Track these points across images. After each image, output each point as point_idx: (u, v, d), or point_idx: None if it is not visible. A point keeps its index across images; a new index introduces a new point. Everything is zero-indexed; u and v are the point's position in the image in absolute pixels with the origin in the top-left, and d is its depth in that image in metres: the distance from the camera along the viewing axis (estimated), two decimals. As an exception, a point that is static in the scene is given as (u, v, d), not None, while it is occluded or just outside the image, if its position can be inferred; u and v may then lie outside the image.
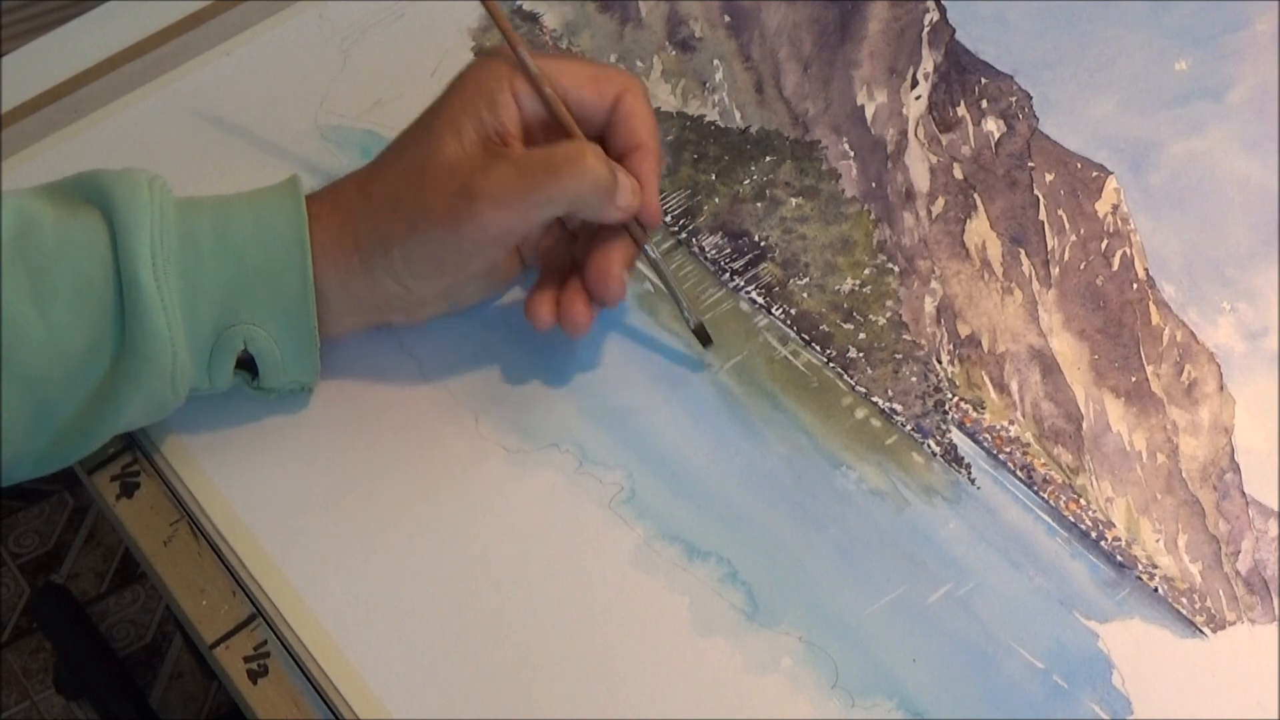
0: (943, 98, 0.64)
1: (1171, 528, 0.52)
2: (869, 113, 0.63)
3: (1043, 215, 0.60)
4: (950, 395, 0.55)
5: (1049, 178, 0.61)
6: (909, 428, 0.54)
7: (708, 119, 0.63)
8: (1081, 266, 0.58)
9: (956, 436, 0.54)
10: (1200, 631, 0.49)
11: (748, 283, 0.58)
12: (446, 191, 0.48)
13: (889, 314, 0.57)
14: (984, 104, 0.63)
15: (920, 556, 0.51)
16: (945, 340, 0.56)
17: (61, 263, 0.47)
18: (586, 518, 0.52)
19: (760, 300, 0.57)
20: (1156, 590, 0.50)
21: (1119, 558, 0.51)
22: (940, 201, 0.60)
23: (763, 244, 0.59)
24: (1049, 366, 0.56)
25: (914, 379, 0.55)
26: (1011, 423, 0.54)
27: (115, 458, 0.55)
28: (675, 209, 0.60)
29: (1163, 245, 0.58)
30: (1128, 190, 0.60)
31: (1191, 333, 0.56)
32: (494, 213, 0.48)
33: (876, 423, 0.54)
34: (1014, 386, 0.55)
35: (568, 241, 0.54)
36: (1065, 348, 0.56)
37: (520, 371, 0.55)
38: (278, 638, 0.50)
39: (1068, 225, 0.59)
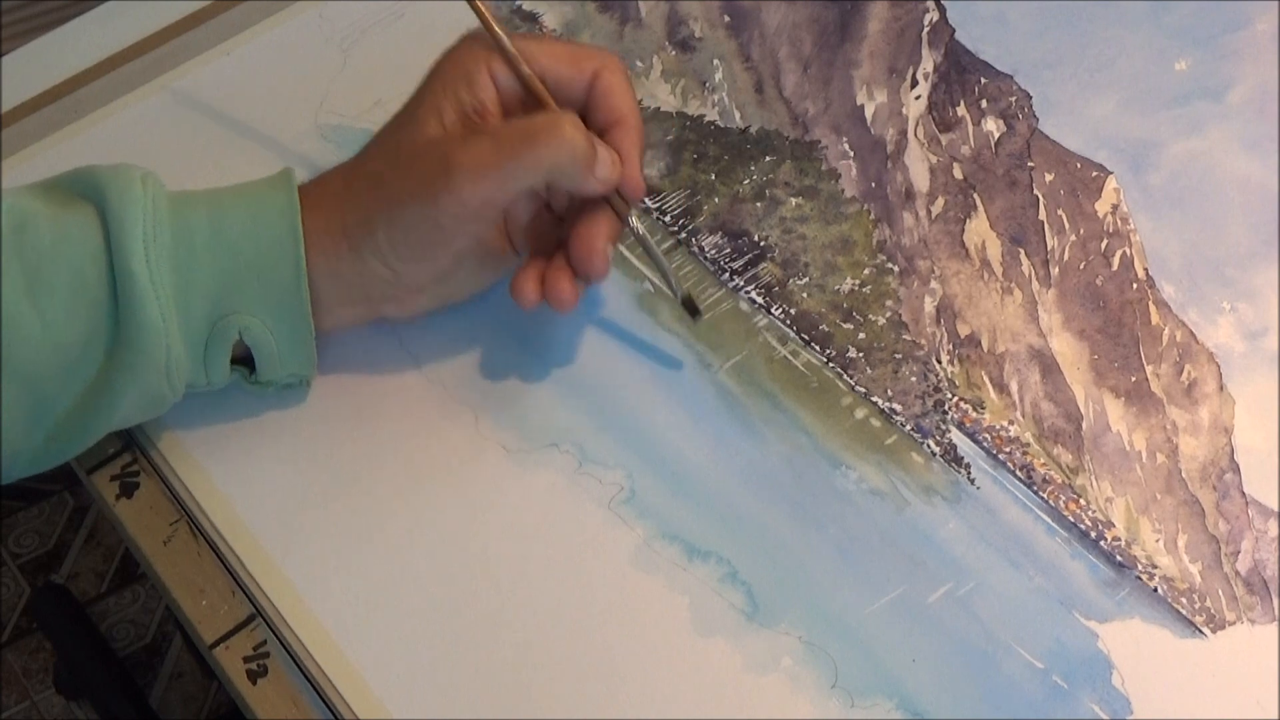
0: (942, 98, 0.64)
1: (1171, 528, 0.52)
2: (869, 113, 0.63)
3: (1042, 215, 0.60)
4: (950, 395, 0.55)
5: (1049, 177, 0.61)
6: (909, 428, 0.54)
7: (707, 119, 0.63)
8: (1081, 266, 0.58)
9: (956, 436, 0.54)
10: (1200, 631, 0.49)
11: (747, 283, 0.58)
12: (426, 168, 0.49)
13: (889, 314, 0.57)
14: (984, 104, 0.63)
15: (920, 556, 0.51)
16: (945, 340, 0.56)
17: (56, 258, 0.47)
18: (586, 518, 0.52)
19: (760, 300, 0.57)
20: (1156, 590, 0.50)
21: (1119, 558, 0.51)
22: (940, 201, 0.60)
23: (762, 244, 0.59)
24: (1049, 366, 0.56)
25: (914, 379, 0.55)
26: (1011, 423, 0.54)
27: (115, 457, 0.55)
28: (675, 209, 0.60)
29: (1163, 245, 0.58)
30: (1127, 190, 0.60)
31: (1191, 333, 0.56)
32: (471, 183, 0.48)
33: (876, 423, 0.54)
34: (1014, 386, 0.55)
35: (554, 224, 0.54)
36: (1065, 348, 0.56)
37: (520, 371, 0.55)
38: (277, 638, 0.50)
39: (1067, 225, 0.59)
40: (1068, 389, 0.55)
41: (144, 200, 0.48)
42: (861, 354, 0.56)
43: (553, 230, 0.54)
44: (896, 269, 0.58)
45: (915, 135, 0.63)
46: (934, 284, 0.58)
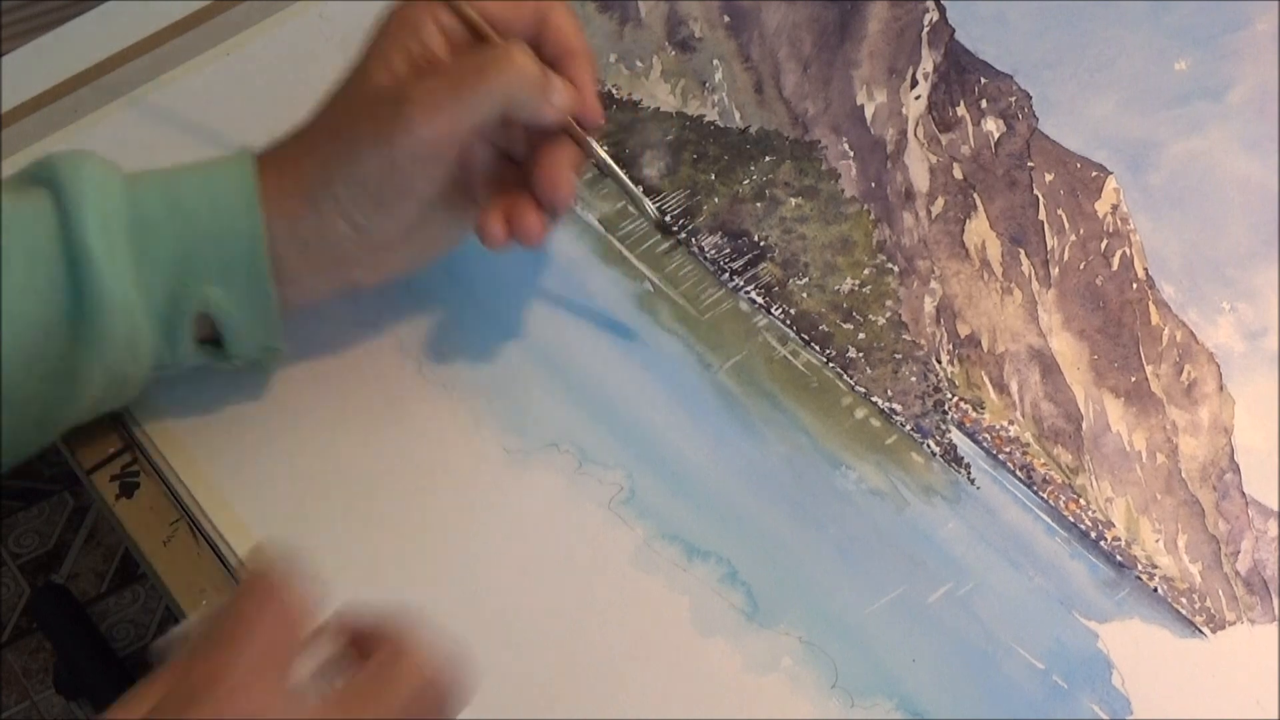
0: (942, 98, 0.64)
1: (1171, 528, 0.52)
2: (869, 113, 0.63)
3: (1042, 215, 0.60)
4: (950, 395, 0.55)
5: (1049, 177, 0.61)
6: (909, 427, 0.54)
7: (707, 119, 0.63)
8: (1081, 266, 0.58)
9: (956, 436, 0.54)
10: (1200, 631, 0.49)
11: (747, 283, 0.58)
12: (379, 112, 0.48)
13: (888, 314, 0.57)
14: (984, 104, 0.63)
15: (920, 556, 0.51)
16: (945, 340, 0.56)
17: (12, 242, 0.47)
18: (586, 518, 0.52)
19: (760, 300, 0.57)
20: (1156, 590, 0.50)
21: (1119, 558, 0.51)
22: (940, 201, 0.60)
23: (762, 244, 0.59)
24: (1049, 366, 0.56)
25: (914, 379, 0.55)
26: (1011, 423, 0.54)
27: (115, 457, 0.55)
28: (675, 209, 0.60)
29: (1162, 245, 0.58)
30: (1127, 190, 0.60)
31: (1191, 333, 0.56)
32: (426, 120, 0.47)
33: (876, 423, 0.54)
34: (1013, 386, 0.55)
35: (514, 174, 0.53)
36: (1065, 348, 0.56)
37: (520, 371, 0.55)
38: (277, 638, 0.50)
39: (1067, 225, 0.59)
40: (1068, 389, 0.55)
41: (96, 177, 0.48)
42: (861, 354, 0.56)
43: (514, 180, 0.53)
44: (896, 269, 0.58)
45: (915, 135, 0.63)
46: (934, 284, 0.58)
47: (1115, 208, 0.60)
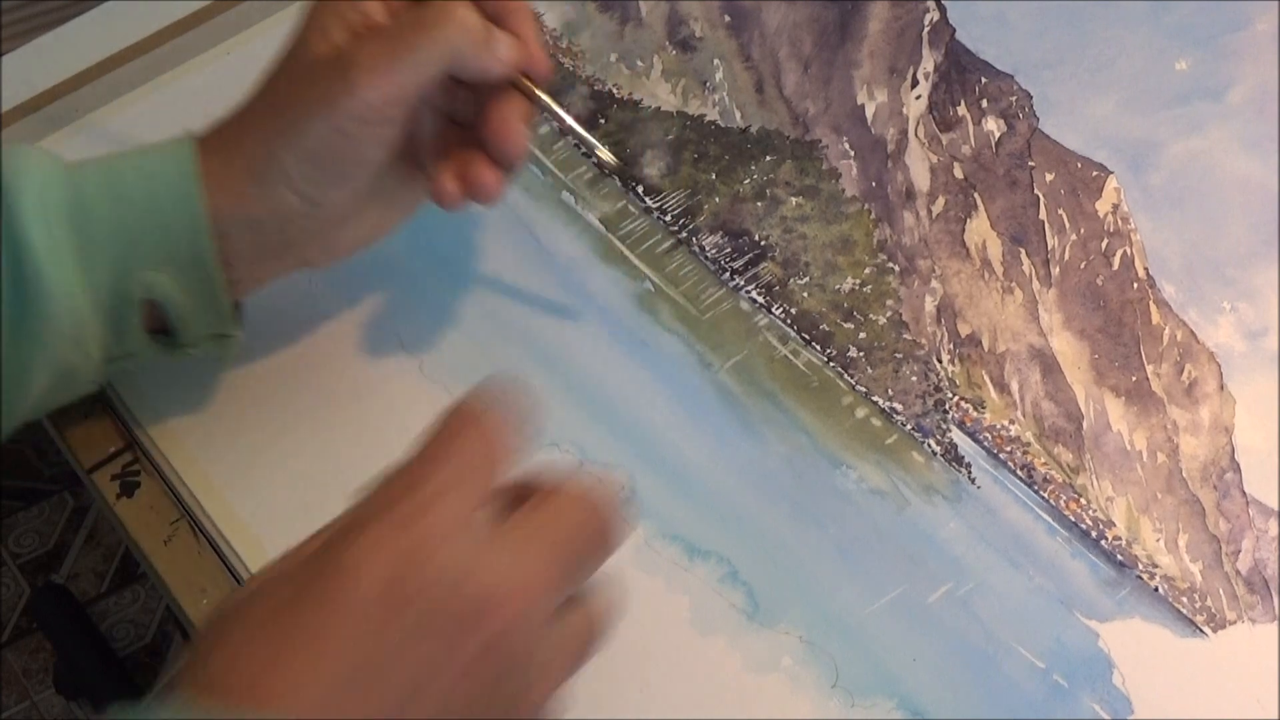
0: (943, 97, 0.64)
1: (1172, 527, 0.52)
2: (869, 112, 0.63)
3: (1043, 215, 0.60)
4: (950, 395, 0.55)
5: (1049, 177, 0.61)
6: (909, 427, 0.54)
7: (708, 118, 0.63)
8: (1082, 266, 0.58)
9: (957, 436, 0.54)
10: (1200, 631, 0.49)
11: (748, 282, 0.58)
12: (321, 78, 0.47)
13: (889, 313, 0.57)
14: (984, 103, 0.63)
15: (920, 556, 0.51)
16: (945, 340, 0.56)
17: None
18: (587, 517, 0.51)
19: (760, 299, 0.57)
20: (1157, 590, 0.50)
21: (1119, 557, 0.51)
22: (940, 201, 0.60)
23: (763, 243, 0.59)
24: (1049, 366, 0.56)
25: (914, 378, 0.55)
26: (1012, 422, 0.54)
27: (115, 457, 0.55)
28: (675, 209, 0.60)
29: (1163, 245, 0.58)
30: (1128, 190, 0.60)
31: (1191, 332, 0.56)
32: (370, 81, 0.46)
33: (876, 422, 0.54)
34: (1014, 386, 0.55)
35: (463, 140, 0.52)
36: (1065, 347, 0.56)
37: (521, 371, 0.55)
38: (278, 637, 0.50)
39: (1068, 225, 0.59)
40: (1068, 388, 0.55)
41: (37, 168, 0.47)
42: (862, 353, 0.56)
43: (463, 143, 0.52)
44: (897, 268, 0.58)
45: (916, 135, 0.63)
46: (934, 283, 0.58)
47: (1116, 207, 0.60)
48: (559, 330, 0.56)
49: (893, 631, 0.49)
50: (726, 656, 0.49)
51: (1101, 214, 0.60)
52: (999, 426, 0.54)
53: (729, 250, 0.59)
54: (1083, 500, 0.52)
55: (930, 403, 0.55)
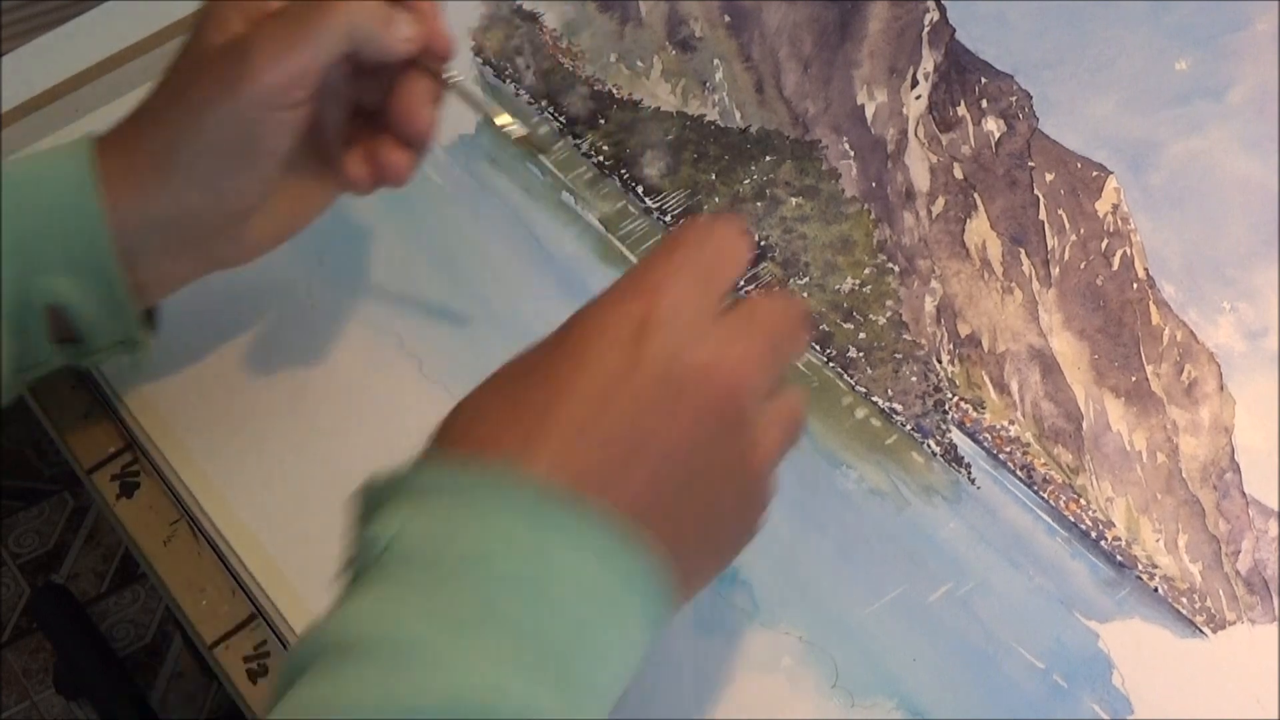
0: (943, 97, 0.64)
1: (1171, 527, 0.52)
2: (869, 112, 0.63)
3: (1043, 215, 0.60)
4: (950, 395, 0.55)
5: (1049, 177, 0.61)
6: (909, 427, 0.54)
7: (708, 119, 0.63)
8: (1081, 266, 0.58)
9: (956, 436, 0.54)
10: (1200, 631, 0.49)
11: (748, 282, 0.58)
12: (220, 66, 0.46)
13: (889, 314, 0.57)
14: (984, 104, 0.63)
15: (920, 556, 0.51)
16: (945, 340, 0.56)
17: None
18: (586, 517, 0.51)
19: (760, 300, 0.57)
20: (1156, 590, 0.50)
21: (1119, 557, 0.51)
22: (940, 201, 0.60)
23: (763, 243, 0.59)
24: (1049, 366, 0.56)
25: (914, 379, 0.55)
26: (1011, 422, 0.54)
27: (115, 457, 0.55)
28: (675, 209, 0.60)
29: (1163, 245, 0.58)
30: (1128, 190, 0.60)
31: (1191, 332, 0.56)
32: (270, 65, 0.45)
33: (876, 422, 0.54)
34: (1014, 386, 0.55)
35: (373, 122, 0.51)
36: (1065, 347, 0.56)
37: (520, 371, 0.55)
38: (277, 637, 0.50)
39: (1068, 225, 0.59)
40: (1068, 389, 0.55)
41: None
42: (862, 354, 0.56)
43: (371, 130, 0.51)
44: (897, 269, 0.58)
45: (915, 135, 0.63)
46: (934, 284, 0.58)
47: (1116, 207, 0.60)
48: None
49: (893, 631, 0.49)
50: (726, 656, 0.49)
51: (1101, 214, 0.60)
52: (999, 427, 0.54)
53: (729, 250, 0.59)
54: (1082, 501, 0.52)
55: (930, 403, 0.55)
